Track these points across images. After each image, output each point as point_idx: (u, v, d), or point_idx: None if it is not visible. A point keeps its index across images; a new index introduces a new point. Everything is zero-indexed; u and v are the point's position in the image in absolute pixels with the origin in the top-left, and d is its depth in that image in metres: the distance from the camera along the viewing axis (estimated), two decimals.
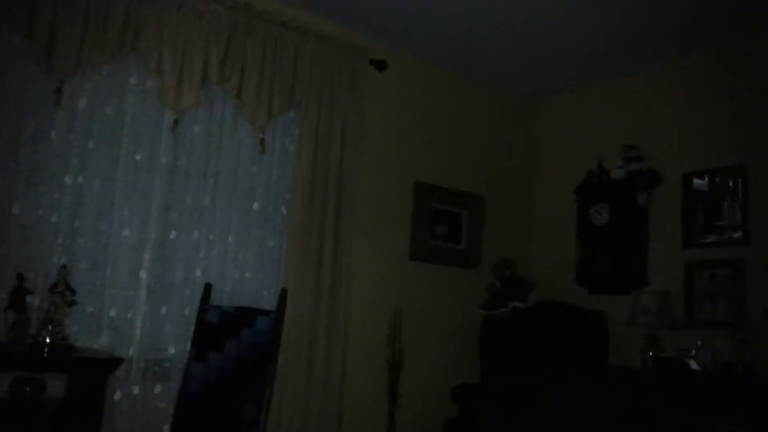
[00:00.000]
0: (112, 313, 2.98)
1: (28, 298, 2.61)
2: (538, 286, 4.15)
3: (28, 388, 2.50)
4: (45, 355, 2.54)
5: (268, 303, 3.18)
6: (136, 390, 2.97)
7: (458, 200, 4.36)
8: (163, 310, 3.11)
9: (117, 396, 2.88)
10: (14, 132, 2.83)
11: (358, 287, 3.72)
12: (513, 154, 4.72)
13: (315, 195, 3.55)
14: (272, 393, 2.51)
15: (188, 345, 2.90)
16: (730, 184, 3.67)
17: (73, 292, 2.69)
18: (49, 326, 2.60)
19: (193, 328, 2.92)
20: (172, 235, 3.18)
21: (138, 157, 3.14)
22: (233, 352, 2.74)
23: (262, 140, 3.45)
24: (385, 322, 3.86)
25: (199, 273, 3.19)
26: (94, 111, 3.05)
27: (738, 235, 3.59)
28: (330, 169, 3.62)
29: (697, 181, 3.82)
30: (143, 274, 3.08)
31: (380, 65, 3.94)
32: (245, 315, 2.80)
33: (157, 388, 3.04)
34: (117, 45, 3.05)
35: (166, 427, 2.89)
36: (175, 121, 3.21)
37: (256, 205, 3.43)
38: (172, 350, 3.09)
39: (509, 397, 3.23)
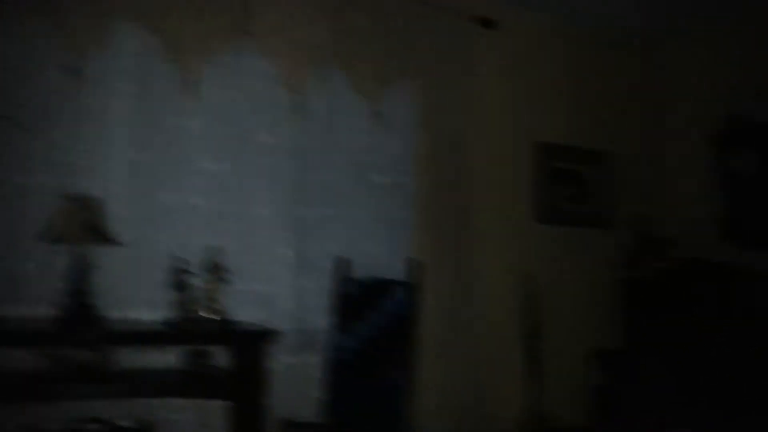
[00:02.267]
0: (259, 288, 3.19)
1: (188, 278, 2.84)
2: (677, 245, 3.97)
3: (198, 361, 2.77)
4: (208, 329, 2.78)
5: (403, 274, 3.29)
6: (290, 360, 3.17)
7: (582, 158, 4.26)
8: (306, 284, 3.29)
9: (274, 365, 3.10)
10: (156, 123, 3.05)
11: (487, 254, 3.75)
12: (638, 106, 4.50)
13: (437, 163, 3.60)
14: (416, 360, 2.63)
15: (331, 317, 3.09)
16: None
17: (225, 270, 2.90)
18: (209, 303, 2.83)
19: (333, 301, 3.10)
20: (307, 212, 3.34)
21: (266, 139, 3.29)
22: (374, 321, 2.90)
23: (379, 112, 3.53)
24: (518, 288, 3.87)
25: (334, 247, 3.33)
26: (223, 99, 3.21)
27: None
28: (449, 136, 3.66)
29: None
30: (284, 251, 3.26)
31: (489, 24, 3.87)
32: (382, 286, 2.95)
33: (310, 359, 3.21)
34: (237, 33, 3.19)
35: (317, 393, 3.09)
36: (296, 102, 3.34)
37: (381, 178, 3.53)
38: (319, 322, 3.23)
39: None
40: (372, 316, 2.91)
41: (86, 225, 2.63)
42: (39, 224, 2.70)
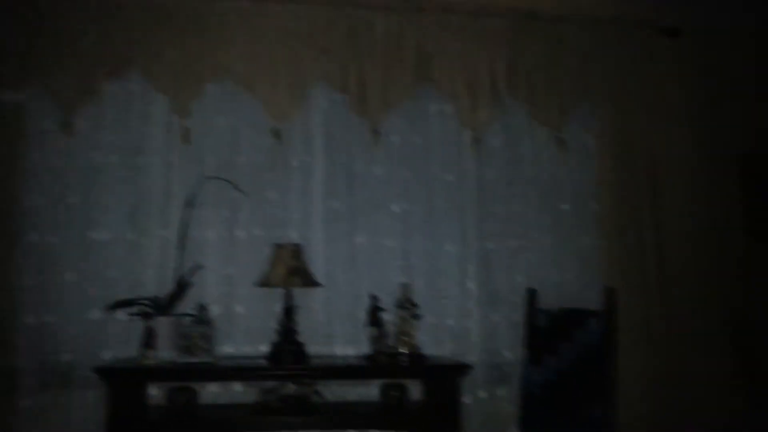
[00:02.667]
0: (450, 322, 3.27)
1: (382, 315, 3.02)
2: None
3: (394, 393, 2.91)
4: (403, 364, 2.92)
5: (593, 303, 3.17)
6: (482, 393, 3.20)
7: None
8: (494, 317, 3.31)
9: (467, 399, 3.15)
10: (347, 172, 3.32)
11: (689, 279, 3.45)
12: None
13: (625, 185, 3.43)
14: (617, 395, 2.51)
15: (522, 349, 3.07)
16: None
17: (416, 306, 3.04)
18: (403, 338, 2.97)
19: (523, 333, 3.08)
20: (491, 245, 3.38)
21: (449, 177, 3.41)
22: (567, 354, 2.83)
23: (560, 139, 3.48)
24: (727, 316, 3.50)
25: (521, 279, 3.32)
26: (406, 143, 3.40)
27: None
28: (637, 156, 3.47)
29: None
30: (471, 285, 3.32)
31: (672, 33, 3.64)
32: (574, 316, 2.87)
33: (501, 391, 3.23)
34: (414, 80, 3.38)
35: (513, 429, 3.06)
36: (475, 139, 3.42)
37: (565, 206, 3.46)
38: (508, 355, 3.26)
39: None
40: (565, 348, 2.84)
41: (292, 270, 2.95)
42: (250, 271, 3.10)
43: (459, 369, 2.90)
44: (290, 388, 2.83)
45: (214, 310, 3.04)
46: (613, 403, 2.58)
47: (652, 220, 3.43)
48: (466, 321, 3.29)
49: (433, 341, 3.20)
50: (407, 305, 3.03)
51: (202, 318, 2.87)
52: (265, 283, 2.96)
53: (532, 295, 3.09)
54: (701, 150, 3.63)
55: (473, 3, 3.45)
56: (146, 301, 2.88)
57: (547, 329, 2.93)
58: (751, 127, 3.72)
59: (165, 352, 2.79)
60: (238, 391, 3.05)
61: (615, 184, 3.44)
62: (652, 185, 3.47)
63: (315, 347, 3.05)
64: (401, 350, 2.96)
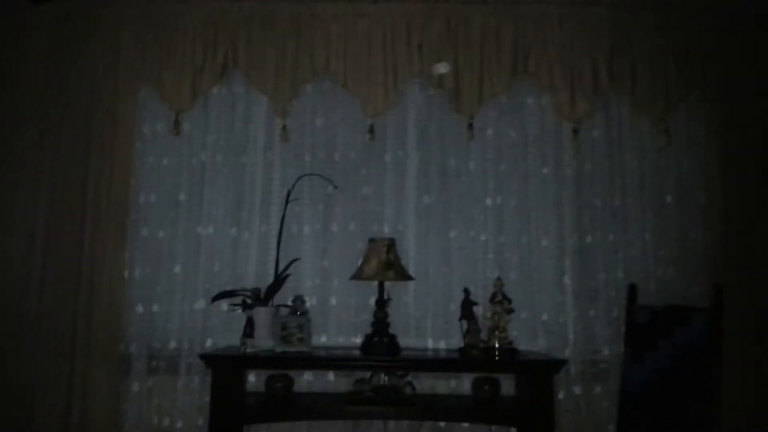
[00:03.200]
0: (545, 317, 3.20)
1: (475, 309, 3.00)
2: None
3: (487, 387, 2.89)
4: (496, 358, 2.89)
5: (699, 300, 2.99)
6: (577, 390, 3.11)
7: None
8: (591, 312, 3.20)
9: (561, 395, 3.07)
10: (440, 167, 3.33)
11: None
12: None
13: (732, 177, 3.21)
14: (720, 396, 2.36)
15: (621, 346, 2.95)
16: None
17: (509, 301, 3.00)
18: (496, 332, 2.94)
19: (623, 329, 2.95)
20: (588, 239, 3.27)
21: (545, 170, 3.34)
22: (669, 352, 2.69)
23: (666, 130, 3.31)
24: None
25: (621, 274, 3.20)
26: (501, 137, 3.37)
27: None
28: (747, 146, 3.23)
29: None
30: (567, 280, 3.24)
31: None
32: (677, 313, 2.73)
33: (597, 388, 3.13)
34: (511, 73, 3.33)
35: (611, 427, 2.96)
36: (575, 131, 3.32)
37: (669, 198, 3.29)
38: (605, 351, 3.14)
39: None
40: (667, 346, 2.70)
41: (385, 263, 2.99)
42: (345, 264, 3.18)
43: (553, 364, 2.84)
44: (382, 379, 2.88)
45: (310, 302, 3.15)
46: (717, 405, 2.42)
47: (762, 212, 3.17)
48: (562, 316, 3.20)
49: (528, 336, 3.16)
50: (501, 299, 3.00)
51: (298, 309, 2.98)
52: (359, 276, 3.02)
53: (632, 290, 2.96)
54: None
55: None
56: (246, 293, 3.03)
57: (648, 326, 2.80)
58: None
59: (264, 341, 2.92)
60: (331, 381, 3.14)
61: (723, 176, 3.22)
62: (762, 176, 3.21)
63: (407, 340, 3.09)
64: (495, 345, 2.93)
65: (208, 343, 3.17)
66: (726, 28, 3.36)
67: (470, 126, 3.31)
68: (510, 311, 2.99)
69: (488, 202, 3.32)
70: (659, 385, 2.66)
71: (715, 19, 3.37)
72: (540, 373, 2.79)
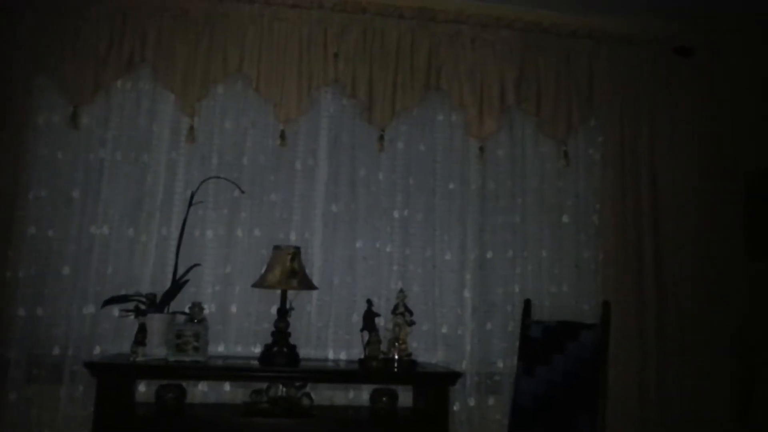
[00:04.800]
0: (444, 330, 3.26)
1: (377, 320, 3.01)
2: None
3: (384, 399, 2.90)
4: (395, 369, 2.91)
5: (589, 316, 3.16)
6: (471, 402, 3.18)
7: None
8: (488, 326, 3.29)
9: (456, 407, 3.13)
10: (350, 177, 3.33)
11: (689, 296, 3.41)
12: None
13: (626, 201, 3.41)
14: (605, 407, 2.49)
15: (515, 359, 3.05)
16: None
17: (411, 313, 3.03)
18: (396, 344, 2.96)
19: (517, 343, 3.05)
20: (489, 255, 3.37)
21: (451, 185, 3.40)
22: (560, 366, 2.80)
23: (566, 153, 3.46)
24: (725, 333, 3.45)
25: (517, 289, 3.31)
26: (410, 150, 3.41)
27: None
28: (640, 172, 3.45)
29: None
30: (467, 293, 3.31)
31: (686, 52, 3.63)
32: (568, 329, 2.85)
33: (491, 400, 3.22)
34: (424, 88, 3.39)
35: None
36: (480, 149, 3.42)
37: (565, 218, 3.44)
38: (500, 364, 3.24)
39: None
40: (558, 360, 2.81)
41: (289, 272, 2.95)
42: (248, 271, 3.11)
43: (449, 377, 2.89)
44: (280, 390, 2.83)
45: (209, 309, 3.06)
46: (602, 416, 2.55)
47: (652, 235, 3.39)
48: (461, 329, 3.27)
49: (428, 348, 3.20)
50: (403, 311, 3.02)
51: (195, 316, 2.88)
52: (261, 284, 2.96)
53: (527, 305, 3.07)
54: (705, 166, 3.59)
55: (485, 14, 3.47)
56: (141, 298, 2.90)
57: (541, 340, 2.91)
58: (756, 145, 3.67)
59: (156, 350, 2.80)
60: (227, 392, 3.05)
61: (616, 199, 3.41)
62: (654, 201, 3.44)
63: (308, 350, 3.07)
64: (394, 356, 2.94)
65: (96, 350, 2.99)
66: (626, 59, 3.56)
67: (381, 138, 3.34)
68: (411, 323, 3.02)
69: (395, 214, 3.35)
70: (550, 397, 2.76)
71: (616, 49, 3.56)
72: (436, 385, 2.84)
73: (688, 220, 3.50)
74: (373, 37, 3.38)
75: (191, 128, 3.22)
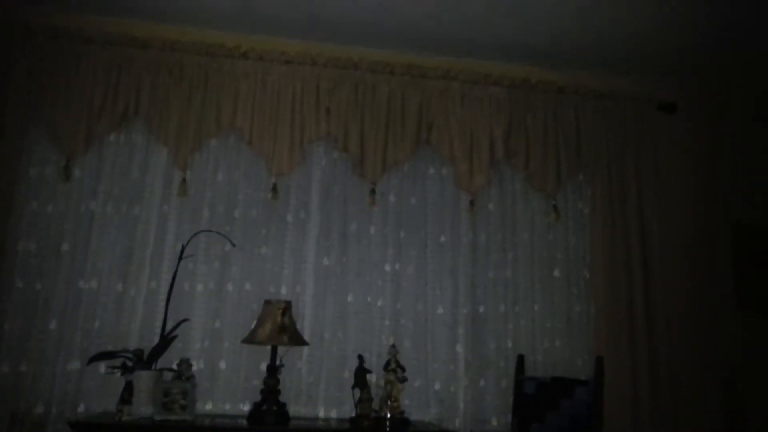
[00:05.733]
0: (437, 386, 3.22)
1: (369, 377, 2.96)
2: None
3: None
4: (387, 428, 2.85)
5: (583, 372, 3.13)
6: None
7: None
8: (482, 382, 3.26)
9: None
10: (341, 230, 3.32)
11: (679, 349, 3.40)
12: None
13: (617, 254, 3.43)
14: None
15: (509, 416, 3.00)
16: None
17: (403, 369, 2.98)
18: (389, 401, 2.91)
19: (511, 400, 3.01)
20: (481, 309, 3.36)
21: (443, 239, 3.41)
22: (554, 423, 2.76)
23: (555, 207, 3.49)
24: (717, 386, 3.45)
25: (510, 344, 3.29)
26: (402, 204, 3.43)
27: None
28: (630, 226, 3.48)
29: None
30: (459, 348, 3.28)
31: (670, 108, 3.74)
32: (562, 385, 2.82)
33: None
34: (415, 143, 3.43)
35: None
36: (471, 202, 3.44)
37: (557, 272, 3.44)
38: (494, 422, 3.20)
39: None
40: (552, 417, 2.77)
41: (279, 327, 2.91)
42: (238, 326, 3.07)
43: None
44: None
45: (197, 366, 3.00)
46: None
47: (643, 288, 3.40)
48: (454, 385, 3.23)
49: (420, 405, 3.15)
50: (395, 368, 2.98)
51: (183, 373, 2.82)
52: (251, 339, 2.92)
53: (521, 361, 3.05)
54: (693, 220, 3.65)
55: (473, 71, 3.55)
56: (128, 354, 2.84)
57: (535, 397, 2.87)
58: (744, 199, 3.73)
59: (143, 408, 2.73)
60: None
61: (607, 253, 3.44)
62: (644, 254, 3.46)
63: (298, 408, 3.02)
64: (386, 414, 2.89)
65: (81, 408, 2.92)
66: (612, 114, 3.64)
67: (373, 191, 3.36)
68: (403, 380, 2.98)
69: (387, 267, 3.34)
70: None
71: (602, 105, 3.64)
72: None
73: (678, 272, 3.53)
74: (365, 93, 3.44)
75: (183, 181, 3.23)
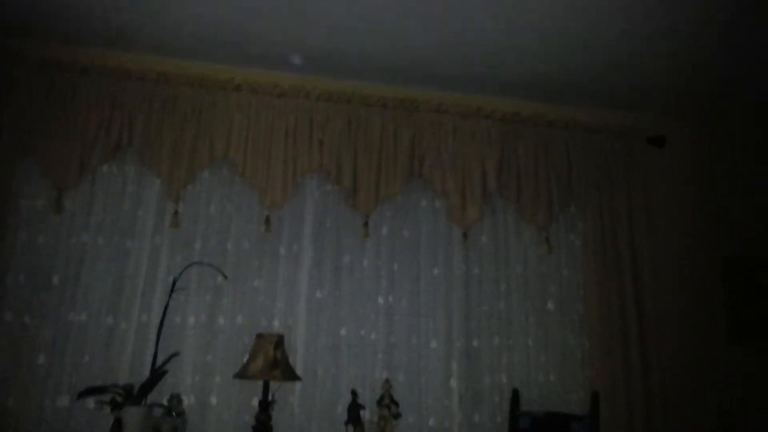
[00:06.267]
0: (431, 422, 3.18)
1: (362, 413, 2.93)
2: None
3: None
4: None
5: (578, 406, 3.12)
6: None
7: None
8: (476, 417, 3.22)
9: None
10: (334, 263, 3.32)
11: (674, 383, 3.41)
12: None
13: (610, 287, 3.45)
14: None
15: None
16: None
17: (397, 404, 2.96)
18: None
19: None
20: (475, 342, 3.34)
21: (436, 271, 3.41)
22: None
23: (547, 239, 3.51)
24: (712, 418, 3.43)
25: (504, 379, 3.27)
26: (394, 236, 3.43)
27: None
28: (622, 258, 3.51)
29: None
30: (453, 383, 3.25)
31: (659, 142, 3.79)
32: (557, 420, 2.80)
33: None
34: (407, 176, 3.45)
35: None
36: (464, 235, 3.45)
37: (550, 305, 3.45)
38: None
39: None
40: None
41: (271, 362, 2.86)
42: (229, 360, 3.03)
43: None
44: None
45: (188, 401, 2.95)
46: None
47: (637, 322, 3.41)
48: (448, 420, 3.19)
49: None
50: (388, 403, 2.95)
51: (174, 409, 2.77)
52: (243, 374, 2.87)
53: (515, 396, 3.02)
54: (685, 253, 3.68)
55: (465, 105, 3.59)
56: (118, 389, 2.78)
57: None
58: (734, 232, 3.77)
59: None
60: None
61: (600, 286, 3.44)
62: (637, 287, 3.48)
63: None
64: None
65: None
66: (602, 147, 3.69)
67: (366, 224, 3.36)
68: (397, 416, 2.94)
69: (380, 300, 3.33)
70: None
71: (592, 138, 3.69)
72: None
73: (671, 305, 3.54)
74: (358, 126, 3.46)
75: (176, 213, 3.21)
